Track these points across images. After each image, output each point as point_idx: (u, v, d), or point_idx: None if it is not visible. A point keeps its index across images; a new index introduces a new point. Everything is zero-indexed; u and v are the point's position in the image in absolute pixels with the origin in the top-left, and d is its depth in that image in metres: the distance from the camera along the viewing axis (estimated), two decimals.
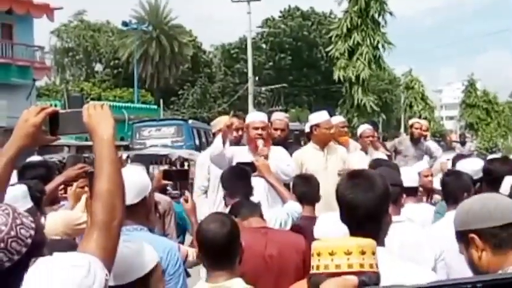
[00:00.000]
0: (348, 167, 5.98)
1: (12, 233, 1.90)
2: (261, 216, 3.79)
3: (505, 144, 51.52)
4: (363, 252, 1.68)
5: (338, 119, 7.79)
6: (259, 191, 4.84)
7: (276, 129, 6.13)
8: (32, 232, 1.94)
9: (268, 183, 4.76)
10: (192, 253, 3.60)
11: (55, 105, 30.47)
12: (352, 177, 2.42)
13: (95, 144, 2.17)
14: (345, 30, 21.44)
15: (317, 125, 6.06)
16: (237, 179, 4.30)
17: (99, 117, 2.20)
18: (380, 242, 2.29)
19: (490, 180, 4.39)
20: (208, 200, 5.73)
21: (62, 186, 4.62)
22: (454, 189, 4.15)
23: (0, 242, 1.88)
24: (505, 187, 4.27)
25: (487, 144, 41.75)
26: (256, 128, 5.34)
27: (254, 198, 4.60)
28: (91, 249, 1.92)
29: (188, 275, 3.46)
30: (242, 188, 4.21)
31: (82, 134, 2.46)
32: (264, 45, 56.96)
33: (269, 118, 5.98)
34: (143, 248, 2.34)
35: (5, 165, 2.25)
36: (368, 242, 1.74)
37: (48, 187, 4.26)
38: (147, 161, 13.62)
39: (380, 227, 2.38)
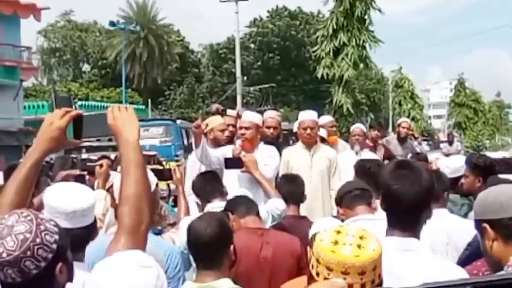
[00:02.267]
0: (335, 167, 6.03)
1: (38, 240, 1.86)
2: (258, 214, 3.79)
3: (492, 143, 51.90)
4: (362, 273, 1.62)
5: (327, 119, 7.80)
6: (244, 186, 4.87)
7: (268, 128, 6.15)
8: (57, 237, 1.91)
9: (255, 179, 4.80)
10: (176, 237, 3.60)
11: (43, 106, 30.33)
12: (399, 168, 2.37)
13: (121, 147, 2.15)
14: (331, 30, 21.44)
15: (299, 125, 6.12)
16: (207, 183, 4.29)
17: (124, 119, 2.18)
18: (417, 235, 2.33)
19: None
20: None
21: None
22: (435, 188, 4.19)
23: (26, 251, 1.84)
24: None
25: (474, 143, 42.01)
26: (241, 128, 5.39)
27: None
28: None
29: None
30: (213, 192, 4.21)
31: (106, 136, 2.45)
32: (252, 45, 56.93)
33: None
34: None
35: (30, 169, 2.23)
36: (369, 259, 1.64)
37: (37, 200, 4.21)
38: None
39: (419, 220, 2.37)
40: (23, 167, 2.24)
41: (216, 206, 4.00)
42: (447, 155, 12.02)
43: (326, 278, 1.61)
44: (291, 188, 4.52)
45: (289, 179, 4.68)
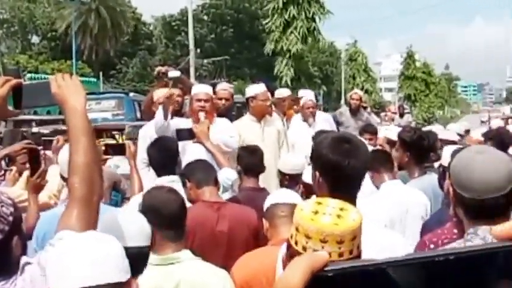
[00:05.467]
0: (286, 139, 6.09)
1: None
2: (216, 183, 3.78)
3: (441, 115, 52.97)
4: (341, 242, 1.61)
5: (288, 92, 7.85)
6: (202, 156, 4.87)
7: (220, 99, 6.14)
8: (12, 209, 1.88)
9: (206, 149, 4.80)
10: None
11: None
12: (340, 142, 2.34)
13: (68, 116, 2.08)
14: (281, 4, 21.38)
15: (254, 97, 6.10)
16: (164, 155, 4.22)
17: (70, 88, 2.11)
18: (354, 204, 2.34)
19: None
20: (151, 173, 5.72)
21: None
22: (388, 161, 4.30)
23: None
24: (445, 156, 4.46)
25: (424, 116, 42.78)
26: (199, 100, 5.31)
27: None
28: (72, 225, 1.87)
29: None
30: (169, 164, 4.18)
31: (50, 106, 2.37)
32: (205, 17, 56.41)
33: (213, 91, 5.98)
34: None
35: None
36: (348, 228, 1.62)
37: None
38: None
39: (357, 193, 2.37)
40: None
41: (165, 180, 3.99)
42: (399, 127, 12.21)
43: (304, 247, 1.62)
44: (252, 159, 4.52)
45: (249, 151, 4.67)
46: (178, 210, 2.86)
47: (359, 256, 1.65)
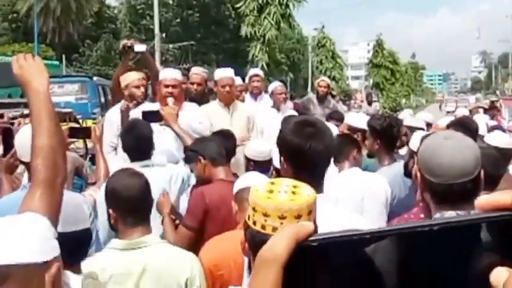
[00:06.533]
0: (252, 124, 6.08)
1: None
2: (228, 161, 3.87)
3: (407, 103, 53.56)
4: (298, 216, 1.64)
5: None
6: (170, 139, 4.84)
7: (192, 83, 6.09)
8: None
9: (174, 132, 4.77)
10: (96, 194, 3.57)
11: None
12: (304, 125, 2.32)
13: (31, 98, 2.03)
14: None
15: (216, 83, 6.09)
16: (138, 141, 4.16)
17: (32, 69, 2.07)
18: (322, 190, 2.31)
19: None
20: (117, 157, 5.66)
21: None
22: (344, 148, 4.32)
23: None
24: (414, 142, 4.51)
25: (391, 104, 43.20)
26: (167, 86, 5.27)
27: (165, 148, 4.61)
28: (35, 208, 1.83)
29: (97, 231, 3.45)
30: (144, 149, 4.15)
31: (10, 87, 2.31)
32: (170, 1, 55.86)
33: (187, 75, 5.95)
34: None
35: None
36: (305, 203, 1.67)
37: None
38: None
39: (323, 177, 2.36)
40: None
41: (139, 164, 3.97)
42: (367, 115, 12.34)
43: (263, 225, 1.65)
44: (226, 144, 4.48)
45: (223, 136, 4.63)
46: (140, 194, 2.83)
47: (315, 231, 1.66)
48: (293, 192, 1.68)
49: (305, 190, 1.71)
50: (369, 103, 16.02)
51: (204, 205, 3.54)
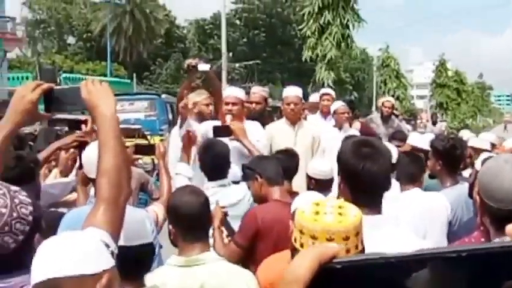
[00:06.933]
0: (318, 144, 6.05)
1: (15, 214, 1.86)
2: (283, 181, 3.84)
3: (474, 124, 52.23)
4: (346, 238, 1.63)
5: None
6: (234, 155, 4.89)
7: (251, 103, 6.15)
8: (31, 208, 1.91)
9: (243, 146, 4.79)
10: (160, 210, 3.63)
11: (27, 77, 30.01)
12: (362, 146, 2.29)
13: (98, 121, 2.11)
14: (316, 8, 21.32)
15: (283, 100, 6.13)
16: (216, 160, 4.20)
17: (100, 94, 2.14)
18: (381, 211, 2.29)
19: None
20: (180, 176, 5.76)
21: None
22: (411, 169, 4.26)
23: (4, 226, 1.84)
24: (479, 163, 4.41)
25: (457, 125, 42.25)
26: (227, 104, 5.33)
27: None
28: (97, 223, 1.88)
29: (160, 246, 3.51)
30: (221, 168, 4.18)
31: (79, 110, 2.41)
32: (238, 21, 56.60)
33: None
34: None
35: (1, 142, 2.18)
36: (352, 224, 1.65)
37: (43, 154, 4.19)
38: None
39: (382, 197, 2.33)
40: None
41: (215, 184, 4.04)
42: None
43: None
44: (288, 164, 4.46)
45: (287, 155, 4.62)
46: (199, 212, 2.86)
47: (363, 251, 1.67)
48: (339, 214, 1.67)
49: (351, 211, 1.70)
50: (434, 123, 15.75)
51: (255, 226, 3.56)
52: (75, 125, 4.68)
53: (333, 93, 8.22)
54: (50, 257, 1.62)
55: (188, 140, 4.77)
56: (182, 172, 4.29)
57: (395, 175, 4.39)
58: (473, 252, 0.60)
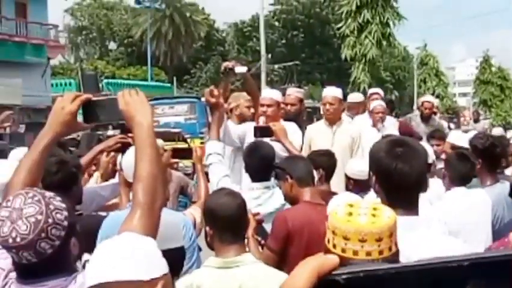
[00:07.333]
0: (357, 145, 6.02)
1: (50, 220, 1.89)
2: (314, 183, 3.83)
3: None
4: (379, 239, 1.62)
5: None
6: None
7: (286, 104, 6.16)
8: (66, 213, 1.95)
9: (284, 147, 4.81)
10: (197, 213, 3.63)
11: (70, 84, 30.61)
12: (396, 146, 2.26)
13: (135, 131, 2.17)
14: (354, 7, 21.17)
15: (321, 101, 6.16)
16: (262, 162, 4.17)
17: (136, 104, 2.20)
18: (417, 212, 2.26)
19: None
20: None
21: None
22: (461, 169, 4.21)
23: (40, 233, 1.87)
24: None
25: (500, 122, 41.41)
26: (263, 105, 5.35)
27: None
28: (133, 228, 1.92)
29: (199, 248, 3.54)
30: (266, 170, 4.16)
31: (117, 121, 2.48)
32: (276, 23, 56.60)
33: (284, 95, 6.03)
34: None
35: (41, 151, 2.25)
36: (385, 225, 1.64)
37: (85, 159, 4.26)
38: (160, 138, 13.68)
39: (418, 198, 2.30)
40: (35, 149, 2.27)
41: (260, 185, 4.07)
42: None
43: (343, 249, 1.63)
44: (327, 164, 4.46)
45: (326, 155, 4.62)
46: (235, 213, 2.87)
47: (397, 253, 1.66)
48: (373, 215, 1.65)
49: (385, 212, 1.68)
50: (475, 120, 15.46)
51: (286, 229, 3.54)
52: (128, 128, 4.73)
53: (382, 92, 8.15)
54: (108, 260, 1.64)
55: (219, 117, 4.77)
56: (213, 150, 4.30)
57: (441, 174, 4.35)
58: (475, 261, 0.59)
